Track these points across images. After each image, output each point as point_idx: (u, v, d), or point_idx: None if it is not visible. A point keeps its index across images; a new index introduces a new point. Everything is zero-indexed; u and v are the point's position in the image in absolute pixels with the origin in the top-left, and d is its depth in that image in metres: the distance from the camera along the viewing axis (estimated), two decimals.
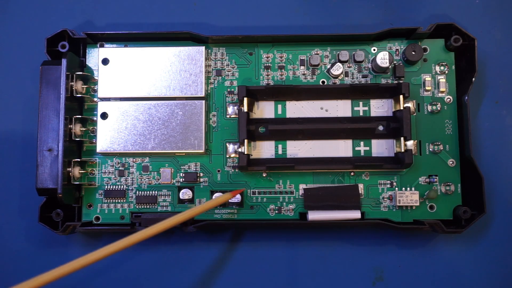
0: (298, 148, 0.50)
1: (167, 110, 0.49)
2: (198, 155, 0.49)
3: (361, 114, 0.50)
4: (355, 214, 0.48)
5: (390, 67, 0.50)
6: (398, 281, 0.50)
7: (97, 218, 0.49)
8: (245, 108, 0.48)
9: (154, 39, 0.51)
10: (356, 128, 0.49)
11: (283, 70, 0.51)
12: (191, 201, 0.49)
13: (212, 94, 0.50)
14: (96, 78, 0.50)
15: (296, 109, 0.50)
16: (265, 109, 0.50)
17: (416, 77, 0.50)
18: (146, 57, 0.49)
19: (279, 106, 0.50)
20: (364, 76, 0.50)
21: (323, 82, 0.50)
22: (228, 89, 0.50)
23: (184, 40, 0.51)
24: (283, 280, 0.50)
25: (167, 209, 0.49)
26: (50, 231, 0.48)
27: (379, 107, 0.50)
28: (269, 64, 0.51)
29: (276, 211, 0.49)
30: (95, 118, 0.50)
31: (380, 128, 0.49)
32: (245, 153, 0.47)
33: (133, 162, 0.50)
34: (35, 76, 0.49)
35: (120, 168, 0.50)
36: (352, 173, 0.49)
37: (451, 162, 0.49)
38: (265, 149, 0.50)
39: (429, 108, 0.50)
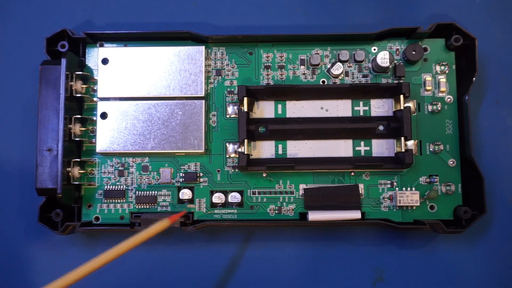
0: (298, 148, 0.50)
1: (167, 110, 0.49)
2: (198, 155, 0.49)
3: (361, 114, 0.50)
4: (355, 214, 0.48)
5: (390, 66, 0.50)
6: (398, 281, 0.50)
7: (97, 218, 0.49)
8: (245, 108, 0.48)
9: (154, 39, 0.51)
10: (357, 128, 0.49)
11: (283, 69, 0.50)
12: (191, 201, 0.49)
13: (212, 94, 0.50)
14: (95, 77, 0.50)
15: (296, 109, 0.50)
16: (265, 109, 0.50)
17: (417, 77, 0.50)
18: (146, 56, 0.49)
19: (279, 106, 0.50)
20: (364, 76, 0.50)
21: (323, 81, 0.50)
22: (228, 89, 0.50)
23: (184, 40, 0.51)
24: (283, 280, 0.50)
25: (167, 209, 0.49)
26: (50, 231, 0.48)
27: (379, 107, 0.50)
28: (269, 64, 0.51)
29: (276, 211, 0.49)
30: (94, 118, 0.50)
31: (381, 128, 0.49)
32: (245, 153, 0.47)
33: (133, 162, 0.50)
34: (35, 76, 0.49)
35: (120, 168, 0.50)
36: (352, 173, 0.49)
37: (451, 162, 0.49)
38: (265, 149, 0.50)
39: (430, 108, 0.50)
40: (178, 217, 0.44)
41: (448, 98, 0.50)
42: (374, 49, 0.51)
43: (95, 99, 0.50)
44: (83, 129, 0.49)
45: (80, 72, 0.49)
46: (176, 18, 0.54)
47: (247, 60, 0.51)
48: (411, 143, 0.48)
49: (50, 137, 0.47)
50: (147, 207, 0.49)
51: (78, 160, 0.49)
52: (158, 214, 0.48)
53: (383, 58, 0.49)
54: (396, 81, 0.50)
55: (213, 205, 0.49)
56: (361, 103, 0.50)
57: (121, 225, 0.49)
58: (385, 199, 0.49)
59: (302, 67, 0.50)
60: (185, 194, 0.49)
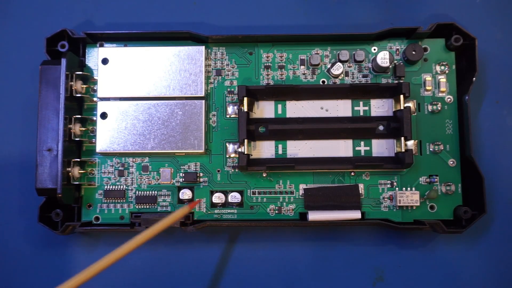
0: (298, 148, 0.50)
1: (167, 110, 0.49)
2: (198, 155, 0.49)
3: (361, 114, 0.50)
4: (355, 214, 0.48)
5: (390, 66, 0.50)
6: (398, 281, 0.50)
7: (97, 218, 0.49)
8: (245, 108, 0.48)
9: (154, 39, 0.51)
10: (357, 128, 0.49)
11: (283, 69, 0.50)
12: (191, 201, 0.49)
13: (212, 94, 0.50)
14: (95, 77, 0.50)
15: (296, 109, 0.50)
16: (265, 109, 0.50)
17: (417, 77, 0.50)
18: (145, 56, 0.49)
19: (279, 106, 0.50)
20: (364, 76, 0.50)
21: (323, 81, 0.50)
22: (228, 89, 0.50)
23: (184, 40, 0.51)
24: (283, 280, 0.50)
25: (167, 209, 0.49)
26: (50, 231, 0.48)
27: (379, 107, 0.50)
28: (269, 64, 0.51)
29: (276, 211, 0.49)
30: (94, 118, 0.50)
31: (381, 128, 0.49)
32: (245, 153, 0.47)
33: (133, 162, 0.50)
34: (35, 76, 0.49)
35: (120, 168, 0.50)
36: (352, 173, 0.49)
37: (451, 162, 0.49)
38: (265, 149, 0.50)
39: (430, 108, 0.50)
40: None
41: (448, 98, 0.50)
42: (374, 49, 0.51)
43: (95, 99, 0.50)
44: (83, 129, 0.49)
45: (80, 72, 0.49)
46: (176, 18, 0.54)
47: (247, 60, 0.51)
48: (411, 143, 0.48)
49: (50, 137, 0.47)
50: (147, 207, 0.49)
51: (78, 160, 0.49)
52: (158, 214, 0.48)
53: (383, 58, 0.49)
54: (396, 81, 0.50)
55: (213, 205, 0.49)
56: (361, 103, 0.50)
57: (121, 225, 0.49)
58: (385, 199, 0.49)
59: (302, 67, 0.50)
60: (185, 194, 0.49)
